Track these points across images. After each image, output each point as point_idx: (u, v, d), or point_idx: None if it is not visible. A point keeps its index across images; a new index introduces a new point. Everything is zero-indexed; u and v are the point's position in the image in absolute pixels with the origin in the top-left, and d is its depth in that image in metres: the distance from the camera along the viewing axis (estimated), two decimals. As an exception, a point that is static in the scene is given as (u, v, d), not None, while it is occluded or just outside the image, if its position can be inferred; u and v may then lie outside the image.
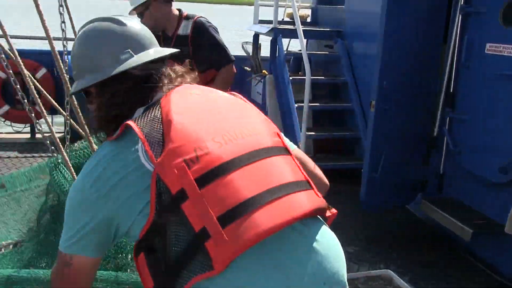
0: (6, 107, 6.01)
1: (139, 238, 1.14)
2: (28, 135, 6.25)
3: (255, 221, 1.07)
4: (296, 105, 4.73)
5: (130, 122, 1.17)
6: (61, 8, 2.38)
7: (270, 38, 5.18)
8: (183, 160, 1.10)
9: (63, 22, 2.42)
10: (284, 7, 6.38)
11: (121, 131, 1.19)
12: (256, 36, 5.71)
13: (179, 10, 3.30)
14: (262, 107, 5.09)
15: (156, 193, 1.10)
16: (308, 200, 1.18)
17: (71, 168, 2.24)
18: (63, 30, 2.48)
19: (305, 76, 4.62)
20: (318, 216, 1.24)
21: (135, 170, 1.15)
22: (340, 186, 3.82)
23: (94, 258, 1.21)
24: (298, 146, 2.80)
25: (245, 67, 5.94)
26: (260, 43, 5.88)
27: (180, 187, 1.09)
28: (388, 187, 3.74)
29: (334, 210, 1.30)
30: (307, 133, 4.65)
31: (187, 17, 3.27)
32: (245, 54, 5.90)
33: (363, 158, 4.04)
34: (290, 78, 4.92)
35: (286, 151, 1.27)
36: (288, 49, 5.89)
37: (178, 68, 1.37)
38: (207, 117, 1.22)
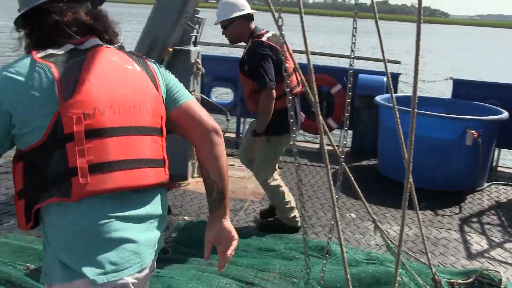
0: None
1: (25, 150, 1.46)
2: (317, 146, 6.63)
3: (112, 178, 1.45)
4: None
5: (51, 64, 1.45)
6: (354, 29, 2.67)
7: None
8: (82, 112, 1.42)
9: (353, 43, 2.74)
10: None
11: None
12: None
13: (255, 28, 3.80)
14: None
15: (53, 125, 1.41)
16: (154, 176, 1.57)
17: (352, 178, 2.84)
18: (352, 50, 2.81)
19: None
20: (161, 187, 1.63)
21: (47, 91, 1.42)
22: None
23: None
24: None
25: None
26: None
27: (72, 131, 1.42)
28: None
29: (175, 184, 2.10)
30: None
31: (253, 37, 3.73)
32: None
33: None
34: None
35: (160, 132, 1.61)
36: None
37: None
38: (114, 85, 1.52)
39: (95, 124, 1.45)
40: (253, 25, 3.76)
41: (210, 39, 10.78)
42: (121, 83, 1.55)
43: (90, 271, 1.40)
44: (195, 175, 5.08)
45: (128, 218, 1.50)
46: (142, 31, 4.79)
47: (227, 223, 1.70)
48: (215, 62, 6.76)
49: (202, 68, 4.97)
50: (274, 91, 3.54)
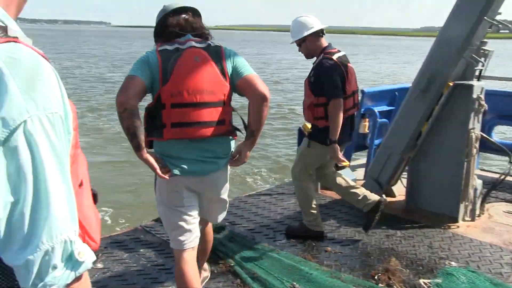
0: None
1: (148, 105, 2.63)
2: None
3: (185, 131, 2.57)
4: None
5: (159, 56, 2.57)
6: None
7: None
8: (171, 93, 2.52)
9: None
10: None
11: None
12: None
13: (328, 45, 4.03)
14: None
15: (157, 96, 2.56)
16: (212, 131, 2.61)
17: None
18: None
19: None
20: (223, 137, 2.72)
21: (156, 74, 2.55)
22: None
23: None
24: None
25: None
26: None
27: (165, 102, 2.54)
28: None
29: (235, 135, 2.78)
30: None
31: (324, 53, 3.96)
32: None
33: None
34: None
35: (222, 103, 2.62)
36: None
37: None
38: (193, 77, 2.55)
39: (178, 100, 2.55)
40: (325, 41, 4.04)
41: (497, 72, 9.95)
42: (198, 75, 2.57)
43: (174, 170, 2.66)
44: (467, 218, 4.70)
45: (191, 151, 2.66)
46: (422, 64, 4.70)
47: (247, 150, 2.81)
48: (500, 98, 6.19)
49: (485, 105, 4.59)
50: (342, 101, 3.82)
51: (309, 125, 5.44)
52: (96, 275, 3.62)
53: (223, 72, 2.62)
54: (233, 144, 2.81)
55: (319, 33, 4.00)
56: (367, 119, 5.96)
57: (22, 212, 0.94)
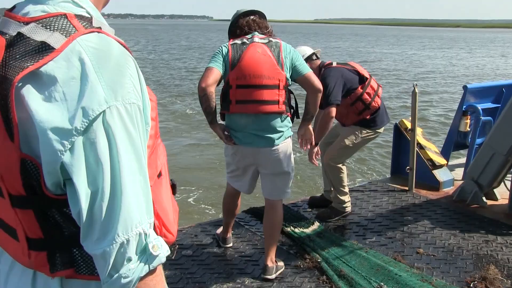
0: None
1: (222, 87, 3.30)
2: None
3: (246, 107, 3.20)
4: None
5: (230, 47, 3.25)
6: None
7: None
8: (236, 77, 3.15)
9: None
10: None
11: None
12: None
13: (321, 62, 4.41)
14: None
15: (227, 80, 3.20)
16: (269, 108, 3.20)
17: None
18: None
19: None
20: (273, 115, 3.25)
21: (227, 62, 3.23)
22: None
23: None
24: None
25: None
26: None
27: (231, 84, 3.18)
28: None
29: (284, 112, 3.28)
30: None
31: (324, 67, 4.37)
32: None
33: None
34: None
35: (277, 87, 3.18)
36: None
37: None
38: (255, 66, 3.14)
39: (242, 82, 3.18)
40: (318, 61, 4.42)
41: None
42: (258, 64, 3.17)
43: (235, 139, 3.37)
44: None
45: (248, 125, 3.29)
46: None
47: (310, 127, 3.54)
48: None
49: None
50: (334, 109, 4.13)
51: (406, 121, 5.29)
52: (185, 262, 3.73)
53: (279, 62, 3.23)
54: (287, 124, 3.38)
55: (312, 57, 4.38)
56: (468, 117, 5.62)
57: (100, 203, 0.95)
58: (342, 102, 4.23)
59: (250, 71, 3.17)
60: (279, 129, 3.32)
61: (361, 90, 4.31)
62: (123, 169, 0.96)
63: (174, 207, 1.29)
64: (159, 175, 1.20)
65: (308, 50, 4.42)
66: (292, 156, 3.50)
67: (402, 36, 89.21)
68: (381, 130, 4.55)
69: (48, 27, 0.98)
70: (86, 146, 0.94)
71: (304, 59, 4.18)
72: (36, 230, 1.04)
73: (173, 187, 1.34)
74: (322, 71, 4.32)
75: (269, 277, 3.48)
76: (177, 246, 3.95)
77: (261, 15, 3.47)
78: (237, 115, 3.28)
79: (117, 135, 0.96)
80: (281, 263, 3.64)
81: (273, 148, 3.33)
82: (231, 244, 4.05)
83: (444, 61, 32.86)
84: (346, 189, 4.58)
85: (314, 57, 4.40)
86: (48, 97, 0.93)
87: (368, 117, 4.38)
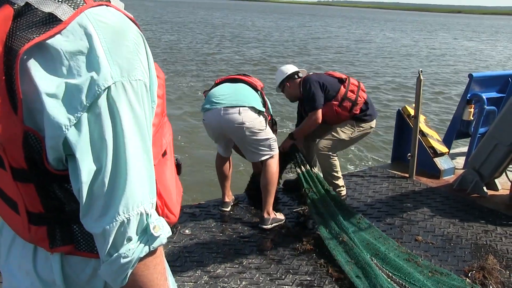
0: None
1: None
2: None
3: (224, 77, 4.09)
4: None
5: None
6: None
7: None
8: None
9: None
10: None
11: None
12: None
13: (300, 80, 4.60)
14: None
15: None
16: (242, 77, 4.03)
17: None
18: None
19: None
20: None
21: None
22: None
23: None
24: None
25: None
26: None
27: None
28: None
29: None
30: None
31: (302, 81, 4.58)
32: None
33: None
34: None
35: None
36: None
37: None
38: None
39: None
40: (298, 79, 4.53)
41: None
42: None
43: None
44: None
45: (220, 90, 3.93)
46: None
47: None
48: None
49: None
50: (320, 114, 4.32)
51: (409, 108, 5.27)
52: (183, 241, 3.72)
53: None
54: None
55: (294, 76, 4.54)
56: (472, 105, 5.58)
57: (102, 180, 0.93)
58: (331, 105, 4.37)
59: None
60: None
61: (344, 89, 4.41)
62: (127, 147, 0.94)
63: (178, 187, 1.27)
64: (164, 154, 1.18)
65: (291, 69, 4.61)
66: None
67: (407, 21, 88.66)
68: (373, 124, 4.60)
69: None
70: (90, 121, 0.91)
71: (285, 77, 4.58)
72: (37, 205, 1.03)
73: (178, 167, 1.31)
74: (300, 83, 4.50)
75: (264, 227, 3.95)
76: (179, 227, 3.94)
77: None
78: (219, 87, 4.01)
79: (122, 112, 0.93)
80: (281, 216, 4.08)
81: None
82: (229, 209, 4.28)
83: (450, 48, 32.66)
84: (339, 174, 4.56)
85: (296, 76, 4.56)
86: (53, 71, 0.90)
87: (358, 112, 4.45)
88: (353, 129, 4.48)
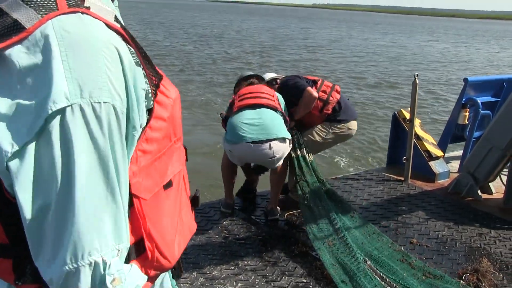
0: None
1: None
2: None
3: (247, 101, 4.00)
4: None
5: None
6: None
7: None
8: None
9: None
10: None
11: None
12: None
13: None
14: None
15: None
16: (266, 100, 4.02)
17: None
18: None
19: None
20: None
21: None
22: None
23: None
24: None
25: None
26: None
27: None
28: None
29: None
30: None
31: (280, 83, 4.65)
32: None
33: None
34: None
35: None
36: None
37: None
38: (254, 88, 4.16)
39: (242, 92, 4.15)
40: (276, 86, 4.59)
41: None
42: (254, 88, 4.26)
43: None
44: None
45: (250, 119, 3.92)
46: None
47: None
48: None
49: None
50: (310, 89, 4.34)
51: (404, 112, 5.30)
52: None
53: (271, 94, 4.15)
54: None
55: (272, 82, 4.62)
56: (467, 110, 5.61)
57: (51, 219, 0.79)
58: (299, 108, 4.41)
59: (249, 90, 4.11)
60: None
61: (315, 89, 4.42)
62: (80, 181, 0.78)
63: (186, 225, 1.13)
64: (168, 185, 1.04)
65: (271, 75, 4.76)
66: None
67: (401, 24, 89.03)
68: (353, 126, 4.56)
69: (29, 2, 0.83)
70: (39, 150, 0.78)
71: (266, 81, 4.67)
72: (1, 235, 0.90)
73: (195, 200, 1.19)
74: (279, 84, 4.57)
75: (275, 217, 4.18)
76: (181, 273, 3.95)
77: (259, 78, 4.45)
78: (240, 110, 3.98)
79: (77, 140, 0.78)
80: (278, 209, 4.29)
81: None
82: (231, 210, 4.30)
83: (445, 52, 32.79)
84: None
85: (274, 83, 4.62)
86: (7, 87, 0.78)
87: (330, 111, 4.44)
88: (327, 130, 4.46)
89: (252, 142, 3.84)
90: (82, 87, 0.79)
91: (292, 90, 4.42)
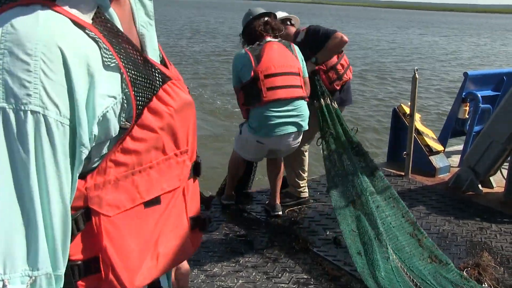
0: None
1: (243, 83, 3.72)
2: None
3: (277, 93, 3.64)
4: None
5: (248, 52, 3.69)
6: None
7: None
8: (261, 70, 3.60)
9: None
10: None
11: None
12: None
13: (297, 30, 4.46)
14: None
15: (253, 75, 3.66)
16: (299, 92, 3.71)
17: None
18: None
19: None
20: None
21: (248, 62, 3.69)
22: None
23: None
24: None
25: None
26: None
27: (258, 76, 3.59)
28: None
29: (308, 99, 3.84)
30: None
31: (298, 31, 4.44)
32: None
33: None
34: None
35: (298, 74, 3.75)
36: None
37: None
38: (275, 58, 3.66)
39: (268, 71, 3.65)
40: (293, 28, 4.49)
41: None
42: (279, 57, 3.72)
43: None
44: None
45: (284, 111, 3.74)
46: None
47: None
48: None
49: None
50: (342, 34, 4.12)
51: (404, 107, 5.26)
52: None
53: (296, 57, 3.82)
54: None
55: (286, 22, 4.44)
56: (467, 104, 5.60)
57: None
58: (317, 70, 4.17)
59: (274, 61, 3.68)
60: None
61: (336, 60, 4.25)
62: None
63: (170, 251, 1.00)
64: (152, 203, 0.94)
65: (283, 14, 4.47)
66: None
67: (400, 20, 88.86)
68: (343, 110, 4.40)
69: None
70: None
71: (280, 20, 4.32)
72: None
73: (203, 223, 1.10)
74: (305, 31, 4.31)
75: (280, 213, 4.19)
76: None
77: (274, 16, 4.01)
78: (270, 104, 3.68)
79: None
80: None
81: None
82: (233, 202, 4.39)
83: (446, 47, 32.73)
84: (305, 174, 4.50)
85: (289, 23, 4.42)
86: None
87: (339, 87, 4.30)
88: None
89: (284, 134, 3.78)
90: (7, 91, 0.70)
91: (322, 35, 4.12)
